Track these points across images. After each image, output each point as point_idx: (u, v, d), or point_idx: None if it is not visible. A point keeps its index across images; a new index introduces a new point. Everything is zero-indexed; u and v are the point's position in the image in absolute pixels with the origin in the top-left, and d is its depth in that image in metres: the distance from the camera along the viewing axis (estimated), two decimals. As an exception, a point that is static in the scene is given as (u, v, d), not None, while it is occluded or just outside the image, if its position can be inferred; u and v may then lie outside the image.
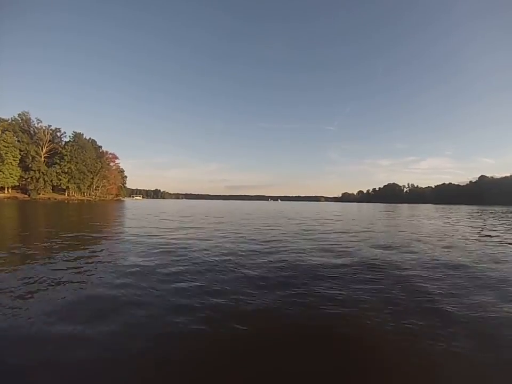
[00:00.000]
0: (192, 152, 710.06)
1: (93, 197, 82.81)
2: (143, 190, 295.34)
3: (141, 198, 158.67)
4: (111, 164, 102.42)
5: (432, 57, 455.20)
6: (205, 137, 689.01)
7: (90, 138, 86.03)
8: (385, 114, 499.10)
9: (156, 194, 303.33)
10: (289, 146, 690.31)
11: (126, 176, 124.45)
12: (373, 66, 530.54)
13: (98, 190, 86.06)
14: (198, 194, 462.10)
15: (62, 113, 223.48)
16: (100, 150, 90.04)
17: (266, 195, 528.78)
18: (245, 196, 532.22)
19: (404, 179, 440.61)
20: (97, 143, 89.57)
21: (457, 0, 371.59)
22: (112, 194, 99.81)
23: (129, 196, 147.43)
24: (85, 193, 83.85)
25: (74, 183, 76.22)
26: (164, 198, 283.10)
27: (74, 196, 78.48)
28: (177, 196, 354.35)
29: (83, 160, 77.52)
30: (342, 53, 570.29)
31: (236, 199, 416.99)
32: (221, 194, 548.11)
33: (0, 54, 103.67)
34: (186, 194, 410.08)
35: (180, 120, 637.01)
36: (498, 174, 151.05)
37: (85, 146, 78.71)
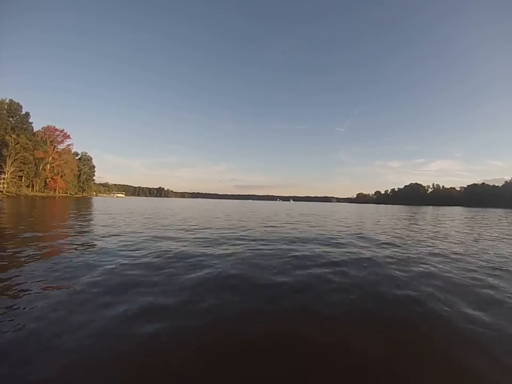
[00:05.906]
0: (202, 152, 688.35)
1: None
2: (146, 188, 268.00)
3: (123, 195, 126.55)
4: (59, 145, 70.86)
5: (443, 59, 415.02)
6: (215, 137, 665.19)
7: (9, 99, 53.88)
8: (395, 116, 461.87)
9: (159, 192, 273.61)
10: (298, 147, 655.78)
11: (94, 166, 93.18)
12: (382, 69, 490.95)
13: (4, 180, 52.16)
14: (206, 194, 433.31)
15: (73, 112, 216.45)
16: (28, 121, 57.76)
17: (275, 195, 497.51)
18: (253, 195, 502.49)
19: (413, 181, 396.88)
20: (24, 108, 56.94)
21: (471, 3, 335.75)
22: (60, 188, 68.06)
23: (104, 193, 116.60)
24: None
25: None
26: (167, 197, 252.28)
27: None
28: (183, 195, 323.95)
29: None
30: (352, 55, 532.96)
31: (245, 198, 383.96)
32: (230, 193, 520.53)
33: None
34: (193, 193, 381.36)
35: (190, 121, 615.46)
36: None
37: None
